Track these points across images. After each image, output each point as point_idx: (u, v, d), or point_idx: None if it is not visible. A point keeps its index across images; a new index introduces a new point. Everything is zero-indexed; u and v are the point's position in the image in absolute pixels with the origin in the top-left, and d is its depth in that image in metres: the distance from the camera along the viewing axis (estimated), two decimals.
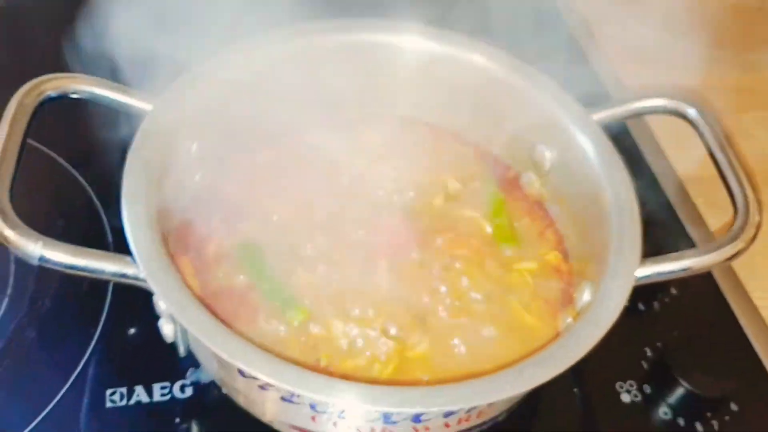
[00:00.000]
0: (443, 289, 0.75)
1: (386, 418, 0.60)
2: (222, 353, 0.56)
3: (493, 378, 0.59)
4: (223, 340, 0.57)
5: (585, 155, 0.76)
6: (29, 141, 0.90)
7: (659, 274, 0.68)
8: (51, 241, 0.60)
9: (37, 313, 0.79)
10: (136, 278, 0.61)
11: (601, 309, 0.64)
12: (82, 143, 0.94)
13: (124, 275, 0.61)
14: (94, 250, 0.61)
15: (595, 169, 0.75)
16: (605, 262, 0.68)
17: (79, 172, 0.92)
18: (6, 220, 0.59)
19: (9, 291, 0.80)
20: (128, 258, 0.61)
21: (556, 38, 1.00)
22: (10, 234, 0.59)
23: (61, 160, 0.93)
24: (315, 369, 0.67)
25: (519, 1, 0.90)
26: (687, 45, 1.14)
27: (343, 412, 0.62)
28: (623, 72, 1.12)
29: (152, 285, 0.60)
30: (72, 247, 0.61)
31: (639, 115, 0.81)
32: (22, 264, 0.80)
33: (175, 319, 0.60)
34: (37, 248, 0.59)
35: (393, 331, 0.72)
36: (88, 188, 0.90)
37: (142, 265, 0.60)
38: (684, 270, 0.68)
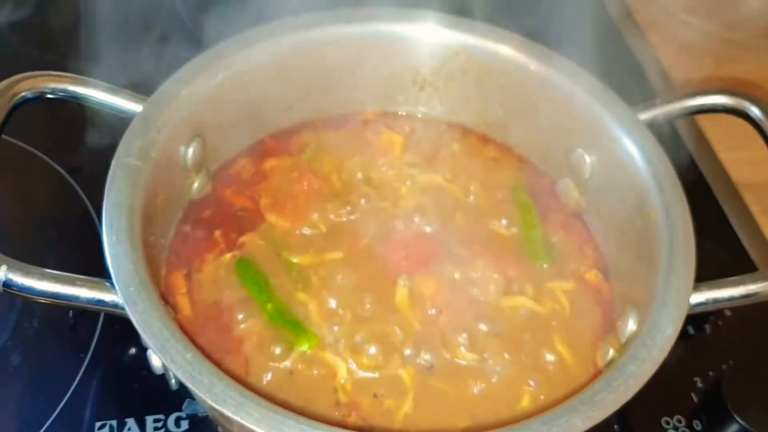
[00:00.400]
0: (466, 313, 0.66)
1: None
2: (207, 398, 0.49)
3: (519, 429, 0.50)
4: (209, 381, 0.50)
5: (630, 160, 0.68)
6: (21, 145, 0.86)
7: (717, 301, 0.59)
8: (18, 265, 0.53)
9: (23, 335, 0.73)
10: (116, 306, 0.54)
11: (649, 342, 0.56)
12: (79, 148, 0.88)
13: (101, 302, 0.54)
14: (68, 275, 0.54)
15: (642, 177, 0.66)
16: (653, 285, 0.60)
17: (74, 178, 0.85)
18: None
19: None
20: (107, 283, 0.54)
21: (596, 28, 0.91)
22: None
23: (56, 166, 0.86)
24: (326, 406, 0.60)
25: None
26: (740, 36, 1.04)
27: None
28: (671, 66, 1.02)
29: (131, 315, 0.52)
30: (42, 271, 0.53)
31: (692, 114, 0.72)
32: None
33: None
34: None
35: (411, 358, 0.64)
36: (84, 197, 0.83)
37: (120, 291, 0.53)
38: (746, 297, 0.60)
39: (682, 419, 0.71)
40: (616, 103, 0.70)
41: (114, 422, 0.67)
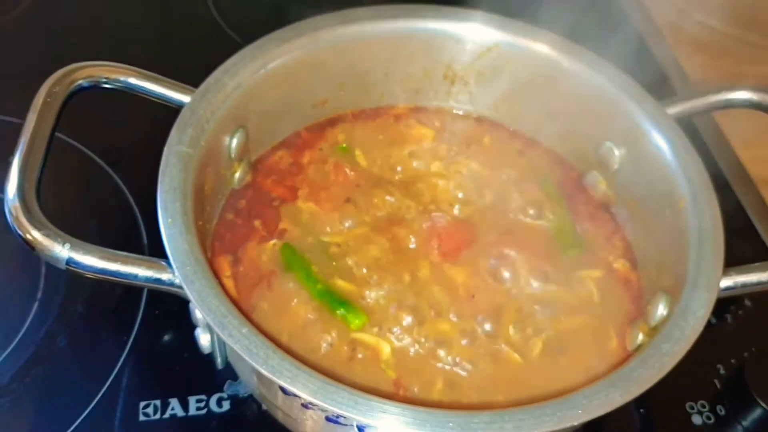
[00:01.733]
0: (498, 298, 0.69)
1: None
2: (264, 370, 0.51)
3: (561, 402, 0.52)
4: (265, 354, 0.52)
5: (659, 152, 0.70)
6: (60, 136, 0.88)
7: (745, 285, 0.62)
8: (80, 244, 0.55)
9: (68, 318, 0.75)
10: (172, 284, 0.56)
11: (682, 323, 0.58)
12: (118, 139, 0.90)
13: (158, 281, 0.57)
14: (127, 254, 0.57)
15: (671, 168, 0.68)
16: (683, 271, 0.62)
17: (113, 169, 0.87)
18: (31, 220, 0.55)
19: (39, 295, 0.76)
20: (163, 262, 0.57)
21: (615, 28, 0.94)
22: (35, 235, 0.54)
23: (94, 157, 0.88)
24: (378, 383, 0.63)
25: None
26: (757, 38, 1.07)
27: None
28: (689, 66, 1.04)
29: (189, 292, 0.55)
30: (102, 249, 0.56)
31: (717, 109, 0.74)
32: (53, 266, 0.76)
33: (213, 330, 0.55)
34: (63, 251, 0.54)
35: (450, 339, 0.66)
36: (124, 187, 0.86)
37: (178, 270, 0.55)
38: None
39: (706, 404, 0.74)
40: (644, 98, 0.72)
41: (158, 402, 0.70)
